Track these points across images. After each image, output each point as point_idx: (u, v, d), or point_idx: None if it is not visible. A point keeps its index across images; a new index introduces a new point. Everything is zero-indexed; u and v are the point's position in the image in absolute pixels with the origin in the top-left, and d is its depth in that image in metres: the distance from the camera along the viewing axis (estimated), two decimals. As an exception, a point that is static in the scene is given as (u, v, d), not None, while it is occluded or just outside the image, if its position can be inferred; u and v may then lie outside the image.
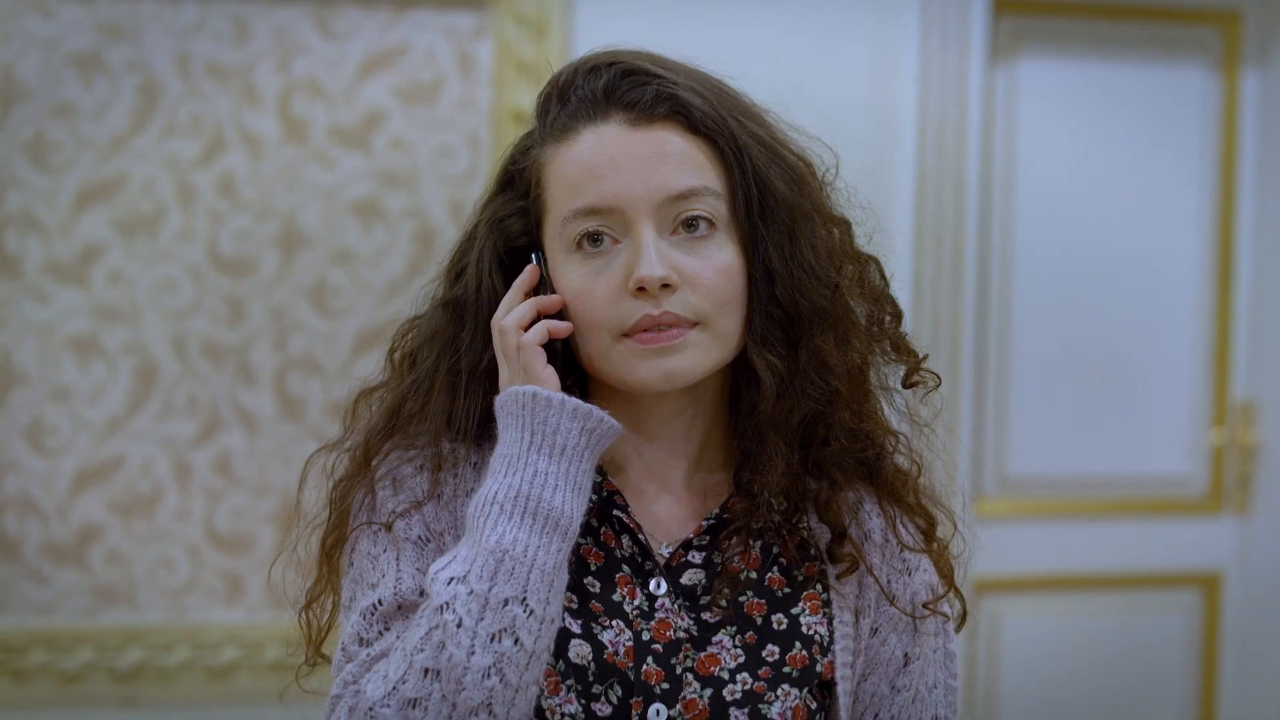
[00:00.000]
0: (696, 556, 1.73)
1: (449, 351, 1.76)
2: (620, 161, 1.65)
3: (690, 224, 1.66)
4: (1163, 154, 4.27)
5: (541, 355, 1.68)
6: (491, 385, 1.72)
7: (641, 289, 1.63)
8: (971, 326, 4.04)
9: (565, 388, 1.69)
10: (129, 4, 3.53)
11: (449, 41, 3.66)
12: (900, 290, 4.07)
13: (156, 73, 3.56)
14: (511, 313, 1.70)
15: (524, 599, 1.57)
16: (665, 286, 1.63)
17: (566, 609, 1.67)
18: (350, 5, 3.63)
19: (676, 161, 1.66)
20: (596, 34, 3.67)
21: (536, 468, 1.62)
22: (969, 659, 4.16)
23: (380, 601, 1.68)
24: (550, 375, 1.67)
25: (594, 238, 1.66)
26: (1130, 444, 4.31)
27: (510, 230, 1.75)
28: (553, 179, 1.70)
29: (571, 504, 1.62)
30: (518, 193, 1.75)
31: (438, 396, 1.75)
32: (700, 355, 1.67)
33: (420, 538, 1.71)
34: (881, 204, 3.97)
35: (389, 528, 1.71)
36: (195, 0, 3.56)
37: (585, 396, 1.73)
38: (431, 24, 3.66)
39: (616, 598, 1.70)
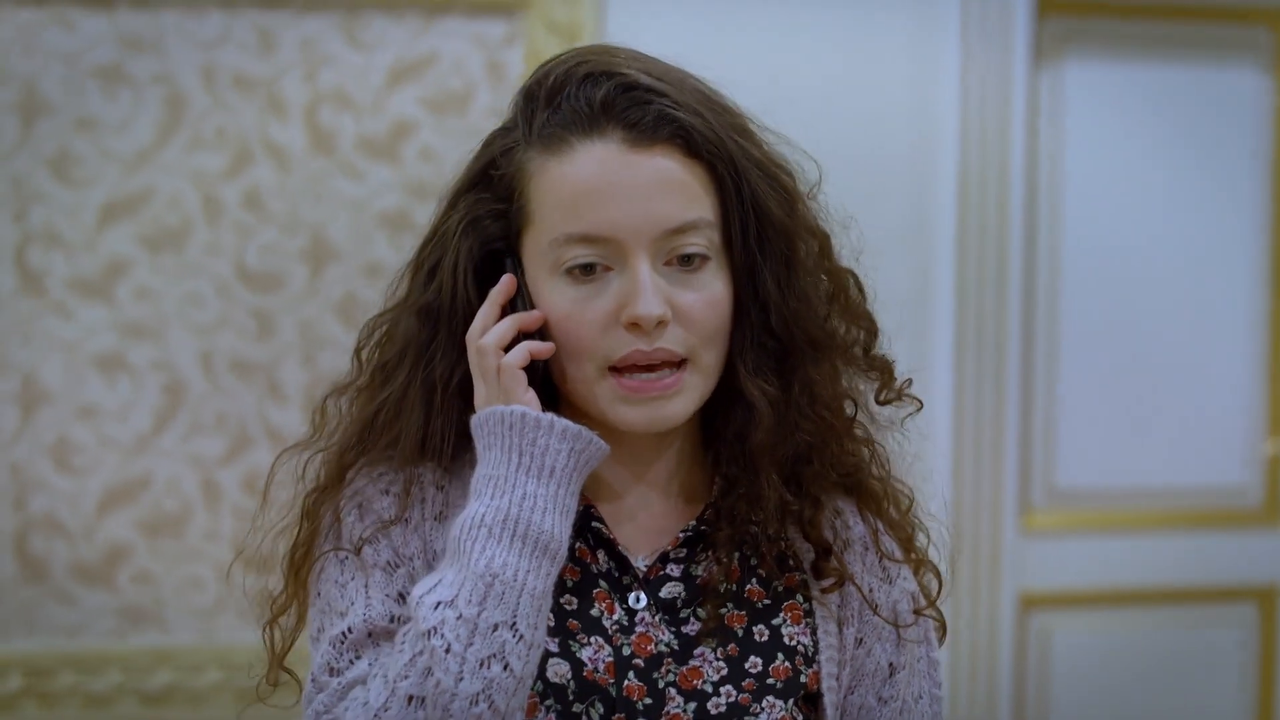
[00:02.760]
0: (675, 569, 1.70)
1: (421, 363, 1.70)
2: (619, 188, 1.60)
3: (686, 259, 1.61)
4: (1213, 157, 4.20)
5: (523, 379, 1.63)
6: (465, 401, 1.67)
7: (635, 324, 1.59)
8: (1018, 335, 3.99)
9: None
10: (151, 15, 3.50)
11: (479, 50, 3.63)
12: (943, 297, 4.05)
13: (181, 85, 3.53)
14: (491, 332, 1.64)
15: (514, 624, 1.54)
16: (659, 323, 1.60)
17: None
18: (378, 14, 3.59)
19: (676, 191, 1.61)
20: (629, 40, 3.66)
21: (525, 490, 1.59)
22: (1018, 676, 4.10)
23: (350, 629, 1.63)
24: (532, 398, 1.63)
25: (586, 268, 1.61)
26: (1183, 454, 4.24)
27: (487, 232, 1.68)
28: (543, 193, 1.64)
29: (560, 527, 1.59)
30: (496, 195, 1.68)
31: (411, 413, 1.69)
32: (688, 399, 1.64)
33: (389, 563, 1.67)
34: (923, 210, 3.98)
35: (357, 553, 1.67)
36: (220, 10, 3.53)
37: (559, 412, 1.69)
38: (461, 32, 3.63)
39: (595, 613, 1.67)
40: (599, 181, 1.60)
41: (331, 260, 3.59)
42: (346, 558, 1.68)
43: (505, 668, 1.53)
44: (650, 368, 1.62)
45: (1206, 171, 4.19)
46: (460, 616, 1.53)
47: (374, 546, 1.68)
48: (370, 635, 1.63)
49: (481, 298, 1.66)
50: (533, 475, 1.59)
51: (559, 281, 1.63)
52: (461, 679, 1.51)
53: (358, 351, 1.77)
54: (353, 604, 1.65)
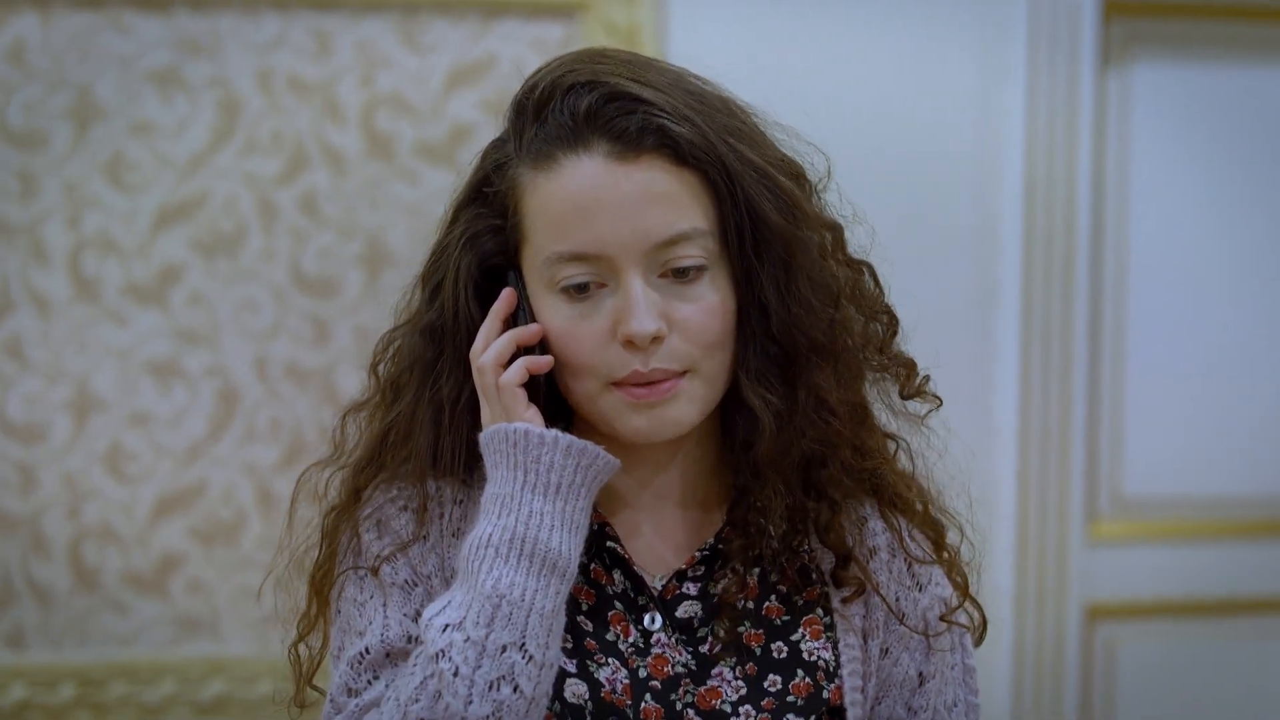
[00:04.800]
0: (691, 588, 1.69)
1: (429, 381, 1.69)
2: (606, 203, 1.58)
3: (680, 271, 1.59)
4: (1286, 161, 4.14)
5: (522, 396, 1.62)
6: (475, 418, 1.66)
7: (630, 341, 1.57)
8: (1084, 340, 3.94)
9: (551, 423, 1.64)
10: (208, 19, 3.49)
11: (537, 52, 3.58)
12: (1009, 302, 4.01)
13: (236, 88, 3.52)
14: (490, 349, 1.63)
15: (523, 645, 1.53)
16: (655, 339, 1.57)
17: (562, 649, 1.63)
18: (436, 17, 3.57)
19: (665, 203, 1.58)
20: (689, 42, 3.64)
21: (531, 508, 1.58)
22: (1084, 687, 4.05)
23: (368, 650, 1.63)
24: (534, 415, 1.62)
25: (580, 287, 1.59)
26: (1253, 462, 4.17)
27: (485, 248, 1.67)
28: (533, 210, 1.62)
29: (569, 544, 1.58)
30: (493, 210, 1.66)
31: (421, 431, 1.69)
32: (690, 404, 1.62)
33: (407, 582, 1.67)
34: (989, 213, 3.93)
35: (375, 572, 1.66)
36: (276, 13, 3.51)
37: (570, 431, 1.67)
38: (519, 35, 3.60)
39: (610, 637, 1.66)
40: (585, 198, 1.58)
41: (388, 266, 3.57)
42: (365, 576, 1.68)
43: (515, 689, 1.52)
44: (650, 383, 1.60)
45: (1277, 175, 4.12)
46: (468, 639, 1.53)
47: (392, 565, 1.67)
48: (388, 656, 1.63)
49: (483, 313, 1.65)
50: (539, 493, 1.58)
51: (555, 299, 1.61)
52: (470, 702, 1.51)
53: (373, 368, 1.77)
54: (370, 623, 1.65)
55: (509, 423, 1.60)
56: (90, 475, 3.53)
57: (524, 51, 3.59)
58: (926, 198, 3.72)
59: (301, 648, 1.78)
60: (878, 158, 3.59)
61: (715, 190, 1.60)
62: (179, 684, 3.57)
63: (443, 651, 1.53)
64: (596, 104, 1.59)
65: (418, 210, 3.56)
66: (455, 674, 1.51)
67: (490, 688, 1.51)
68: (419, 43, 3.57)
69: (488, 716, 1.51)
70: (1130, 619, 4.09)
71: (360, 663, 1.63)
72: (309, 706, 1.78)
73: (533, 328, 1.62)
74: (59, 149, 3.47)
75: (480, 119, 3.58)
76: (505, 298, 1.64)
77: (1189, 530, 4.13)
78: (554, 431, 1.59)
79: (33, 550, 3.53)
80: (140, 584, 3.56)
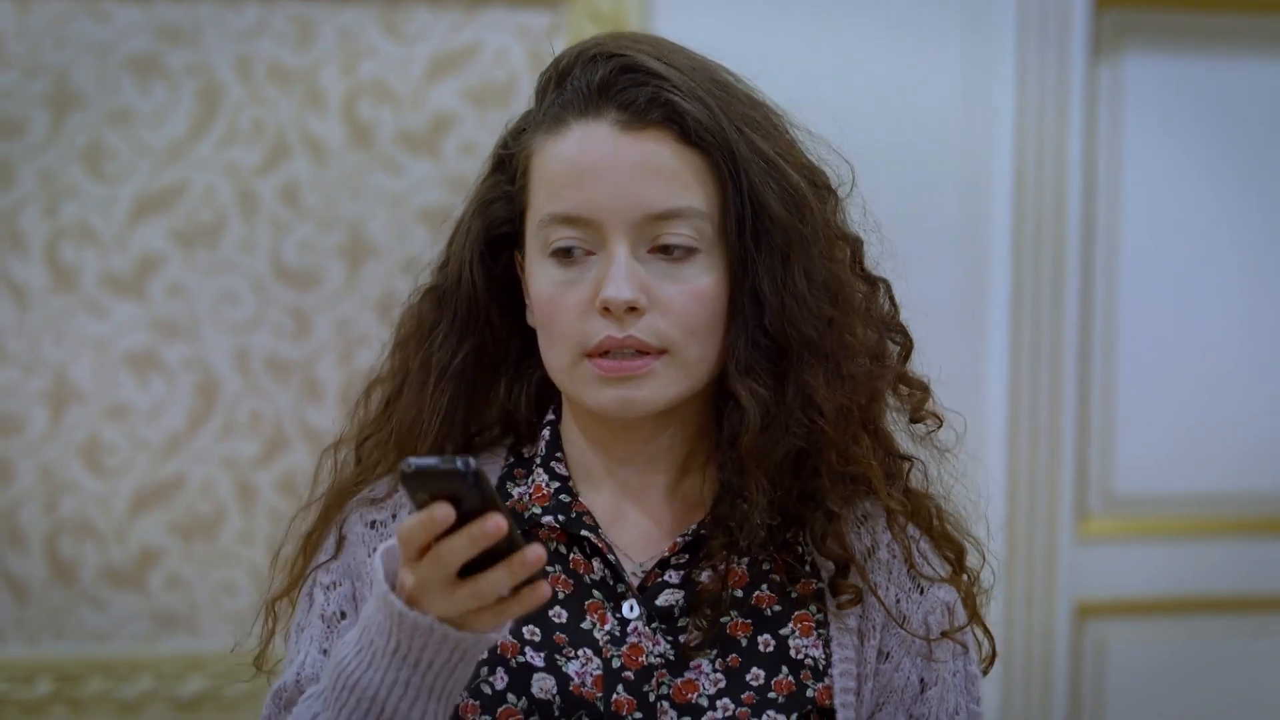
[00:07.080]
0: (674, 576, 1.64)
1: (424, 345, 1.69)
2: (604, 170, 1.57)
3: (666, 249, 1.57)
4: (1278, 155, 4.12)
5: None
6: (459, 388, 1.66)
7: (606, 308, 1.55)
8: (1074, 336, 3.93)
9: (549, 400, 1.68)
10: (188, 6, 3.46)
11: (521, 41, 3.58)
12: (998, 298, 3.99)
13: (216, 76, 3.49)
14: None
15: None
16: (632, 310, 1.55)
17: (529, 643, 1.60)
18: (419, 5, 3.55)
19: (663, 176, 1.57)
20: (674, 32, 3.60)
21: (398, 677, 1.42)
22: (1073, 686, 4.03)
23: (285, 686, 1.62)
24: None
25: (565, 251, 1.58)
26: (1244, 459, 4.16)
27: (495, 215, 1.67)
28: (537, 172, 1.62)
29: (433, 712, 1.45)
30: (507, 176, 1.67)
31: (408, 392, 1.69)
32: (663, 386, 1.58)
33: (336, 614, 1.64)
34: (978, 208, 3.91)
35: (312, 599, 1.67)
36: (257, 1, 3.49)
37: (559, 412, 1.69)
38: (504, 23, 3.58)
39: (586, 625, 1.62)
40: (585, 162, 1.58)
41: (370, 256, 3.55)
42: (311, 600, 1.67)
43: None
44: (622, 356, 1.58)
45: (1271, 170, 4.12)
46: None
47: (325, 595, 1.66)
48: (303, 695, 1.57)
49: (485, 284, 1.66)
50: (407, 664, 1.43)
51: (547, 264, 1.60)
52: None
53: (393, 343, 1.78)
54: (297, 654, 1.64)
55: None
56: (68, 468, 3.50)
57: (508, 40, 3.57)
58: (914, 192, 3.69)
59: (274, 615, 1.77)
60: (863, 152, 3.56)
61: (719, 174, 1.59)
62: (157, 680, 3.54)
63: None
64: (611, 74, 1.60)
65: (399, 200, 3.55)
66: None
67: None
68: (402, 31, 3.55)
69: None
70: (1120, 617, 4.08)
71: (278, 701, 1.62)
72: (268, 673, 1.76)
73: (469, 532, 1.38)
74: (36, 136, 3.44)
75: (463, 108, 3.57)
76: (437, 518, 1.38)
77: (1179, 528, 4.12)
78: (430, 620, 1.39)
79: (8, 543, 3.50)
80: (118, 579, 3.53)
